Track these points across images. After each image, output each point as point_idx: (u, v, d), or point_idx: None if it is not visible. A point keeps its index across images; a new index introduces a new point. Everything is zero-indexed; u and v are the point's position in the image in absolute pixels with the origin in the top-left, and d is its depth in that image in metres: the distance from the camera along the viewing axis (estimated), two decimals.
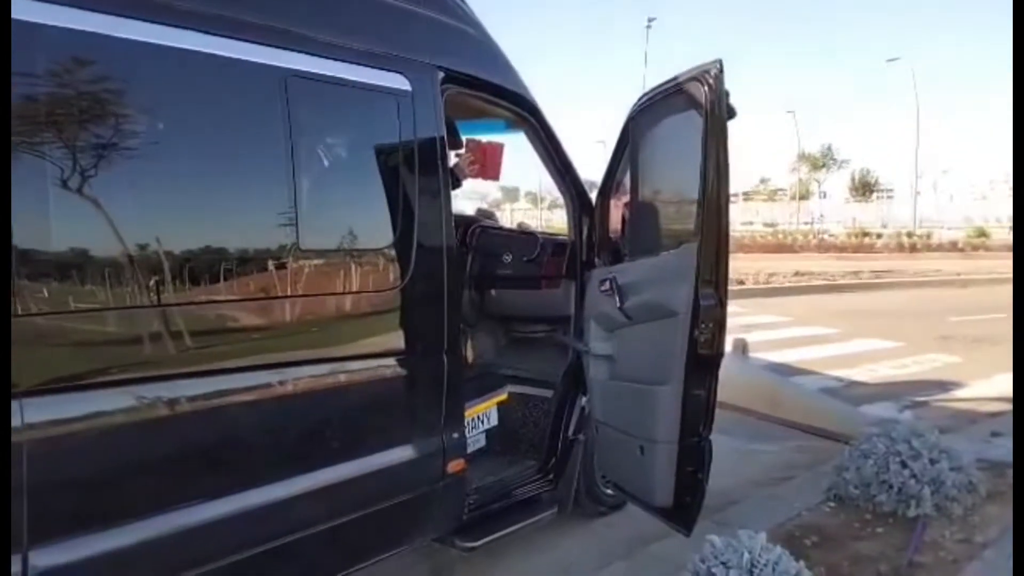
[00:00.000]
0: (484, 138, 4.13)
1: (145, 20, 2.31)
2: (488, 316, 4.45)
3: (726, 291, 3.20)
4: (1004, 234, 40.14)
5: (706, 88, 3.18)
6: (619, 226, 4.01)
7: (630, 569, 3.34)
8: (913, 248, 31.89)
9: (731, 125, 3.20)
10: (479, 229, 4.40)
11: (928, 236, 38.50)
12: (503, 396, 4.25)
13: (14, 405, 2.04)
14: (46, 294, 2.13)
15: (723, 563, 2.86)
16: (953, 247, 32.66)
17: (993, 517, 3.91)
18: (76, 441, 2.20)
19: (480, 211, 5.29)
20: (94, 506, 2.26)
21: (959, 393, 7.65)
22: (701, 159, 3.14)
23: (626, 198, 3.92)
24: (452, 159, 3.81)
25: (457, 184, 3.94)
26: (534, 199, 65.02)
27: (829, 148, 63.60)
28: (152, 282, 2.32)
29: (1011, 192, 4.99)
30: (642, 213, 3.76)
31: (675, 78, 3.43)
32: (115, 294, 2.24)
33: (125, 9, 2.25)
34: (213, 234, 2.52)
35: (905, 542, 3.60)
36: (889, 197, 64.68)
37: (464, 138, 4.19)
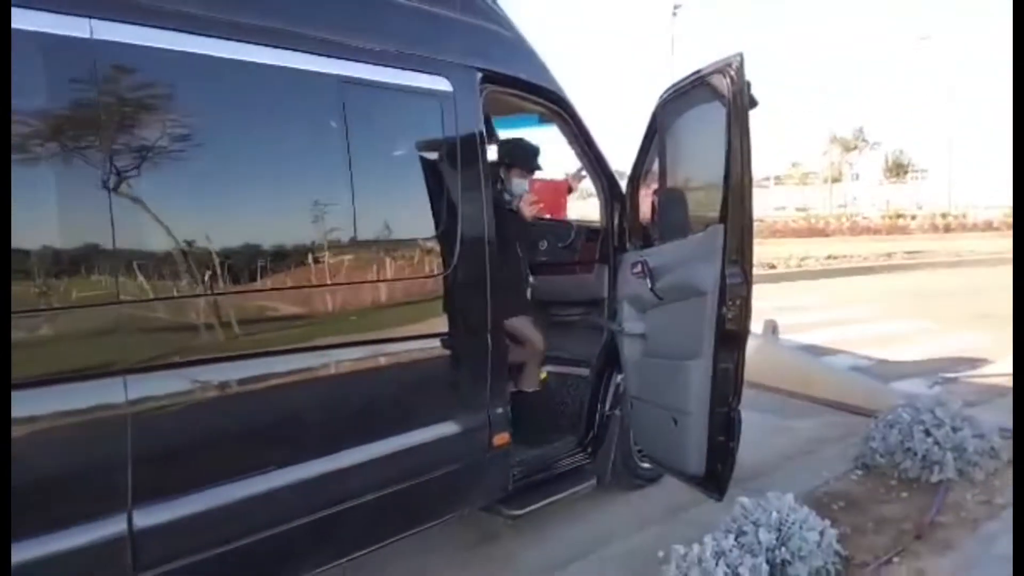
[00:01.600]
0: (547, 178, 4.18)
1: (224, 39, 2.60)
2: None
3: (751, 269, 3.41)
4: None
5: (728, 80, 3.39)
6: (649, 212, 4.22)
7: (664, 532, 3.56)
8: (948, 228, 31.55)
9: (758, 111, 3.42)
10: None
11: (964, 216, 37.99)
12: (543, 375, 4.49)
13: (119, 382, 2.34)
14: (143, 285, 2.41)
15: (753, 522, 3.09)
16: (988, 226, 32.17)
17: (1011, 480, 4.07)
18: (170, 415, 2.48)
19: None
20: (186, 472, 2.54)
21: (988, 369, 7.73)
22: (725, 146, 3.35)
23: (655, 185, 4.13)
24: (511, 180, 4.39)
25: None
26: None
27: (861, 130, 62.79)
28: (238, 272, 2.62)
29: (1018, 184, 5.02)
30: (671, 198, 3.97)
31: (699, 71, 3.64)
32: (204, 284, 2.53)
33: (212, 30, 2.56)
34: (289, 229, 2.80)
35: (928, 505, 3.79)
36: (924, 178, 63.64)
37: (529, 180, 4.52)
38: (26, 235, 2.18)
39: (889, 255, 19.77)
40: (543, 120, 4.39)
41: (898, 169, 64.20)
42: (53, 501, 2.27)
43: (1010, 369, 7.54)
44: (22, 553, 2.15)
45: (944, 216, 36.48)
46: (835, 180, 58.45)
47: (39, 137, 2.22)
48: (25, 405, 2.16)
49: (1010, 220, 35.54)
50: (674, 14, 37.61)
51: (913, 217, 36.87)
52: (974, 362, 7.96)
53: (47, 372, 2.24)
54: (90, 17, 2.31)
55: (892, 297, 12.82)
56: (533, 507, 3.80)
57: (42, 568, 2.21)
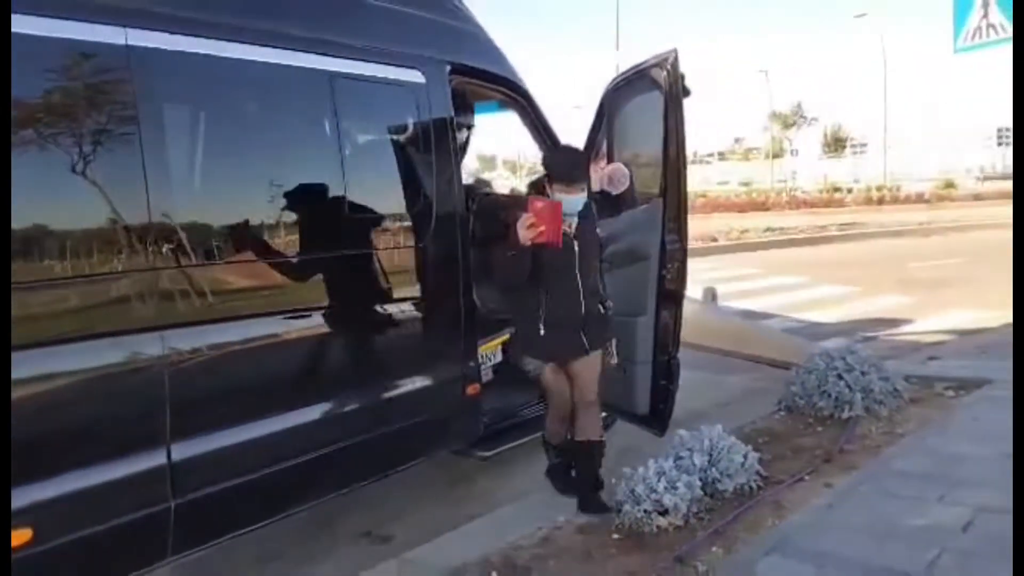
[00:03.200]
0: (540, 201, 3.42)
1: (228, 40, 3.02)
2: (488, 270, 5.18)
3: (687, 237, 3.97)
4: (972, 184, 41.40)
5: (665, 72, 3.92)
6: (597, 187, 4.74)
7: (616, 465, 4.10)
8: (881, 201, 32.91)
9: (699, 91, 3.99)
10: (480, 196, 5.12)
11: (897, 189, 39.58)
12: (506, 337, 4.99)
13: (156, 337, 2.77)
14: (174, 256, 2.84)
15: (689, 449, 3.66)
16: (920, 199, 33.68)
17: (913, 416, 4.76)
18: (199, 366, 2.93)
19: (478, 180, 5.99)
20: (212, 414, 2.99)
21: (908, 328, 8.52)
22: (663, 130, 3.89)
23: (603, 163, 4.64)
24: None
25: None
26: (512, 166, 65.42)
27: (799, 106, 64.43)
28: (249, 245, 3.07)
29: (995, 152, 5.73)
30: (617, 176, 4.49)
31: (641, 64, 4.16)
32: (220, 256, 2.98)
33: (228, 35, 3.00)
34: (291, 206, 3.23)
35: (838, 436, 4.43)
36: (862, 152, 65.50)
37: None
38: (75, 218, 2.61)
39: (824, 227, 20.77)
40: (502, 106, 4.87)
41: (836, 144, 66.11)
42: (107, 437, 2.71)
43: (928, 328, 8.36)
44: (86, 480, 2.60)
45: (879, 189, 37.95)
46: (776, 156, 59.99)
47: (85, 129, 2.63)
48: (81, 358, 2.60)
49: (942, 192, 37.24)
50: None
51: (849, 191, 38.32)
52: (892, 322, 8.75)
53: (99, 329, 2.67)
54: (125, 26, 2.72)
55: (824, 266, 13.65)
56: (501, 448, 4.33)
57: (101, 492, 2.65)
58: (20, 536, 2.46)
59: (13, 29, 2.38)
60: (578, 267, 3.55)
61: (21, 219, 2.42)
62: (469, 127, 4.79)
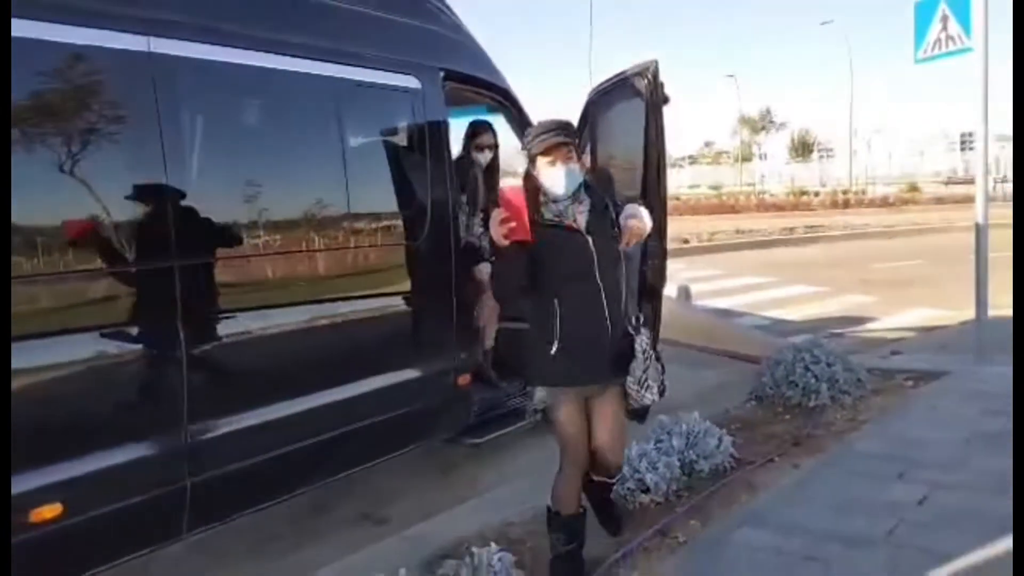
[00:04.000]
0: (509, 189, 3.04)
1: (242, 49, 3.22)
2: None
3: (666, 235, 4.24)
4: (934, 188, 42.38)
5: (646, 81, 4.18)
6: None
7: None
8: (847, 204, 33.57)
9: (672, 98, 4.24)
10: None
11: (863, 192, 40.40)
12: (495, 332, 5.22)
13: (173, 326, 2.96)
14: (191, 253, 3.04)
15: (668, 432, 3.92)
16: (884, 202, 34.44)
17: (875, 405, 5.06)
18: (214, 355, 3.12)
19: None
20: (225, 400, 3.18)
21: (871, 325, 8.89)
22: (643, 135, 4.15)
23: (587, 166, 4.90)
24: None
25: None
26: None
27: (768, 111, 65.47)
28: (262, 241, 3.28)
29: (984, 144, 6.04)
30: (600, 178, 4.74)
31: (623, 72, 4.42)
32: (237, 251, 3.19)
33: (244, 43, 3.21)
34: (297, 203, 3.46)
35: (806, 423, 4.72)
36: (829, 156, 66.54)
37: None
38: (105, 216, 2.79)
39: (791, 229, 21.25)
40: (491, 110, 5.10)
41: (803, 148, 67.14)
42: (130, 421, 2.90)
43: (890, 325, 8.72)
44: (113, 458, 2.80)
45: (845, 193, 38.73)
46: (745, 159, 60.86)
47: (114, 129, 2.82)
48: (108, 346, 2.79)
49: (905, 196, 38.09)
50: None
51: (816, 194, 38.97)
52: (857, 320, 9.11)
53: (123, 319, 2.86)
54: (148, 35, 2.91)
55: (791, 267, 14.05)
56: (490, 437, 4.56)
57: (125, 471, 2.84)
58: (53, 510, 2.65)
59: (50, 37, 2.58)
60: (598, 270, 2.84)
61: (67, 214, 2.67)
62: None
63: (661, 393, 3.00)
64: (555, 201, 2.84)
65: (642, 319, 3.05)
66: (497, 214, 2.74)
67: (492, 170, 5.01)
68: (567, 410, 2.94)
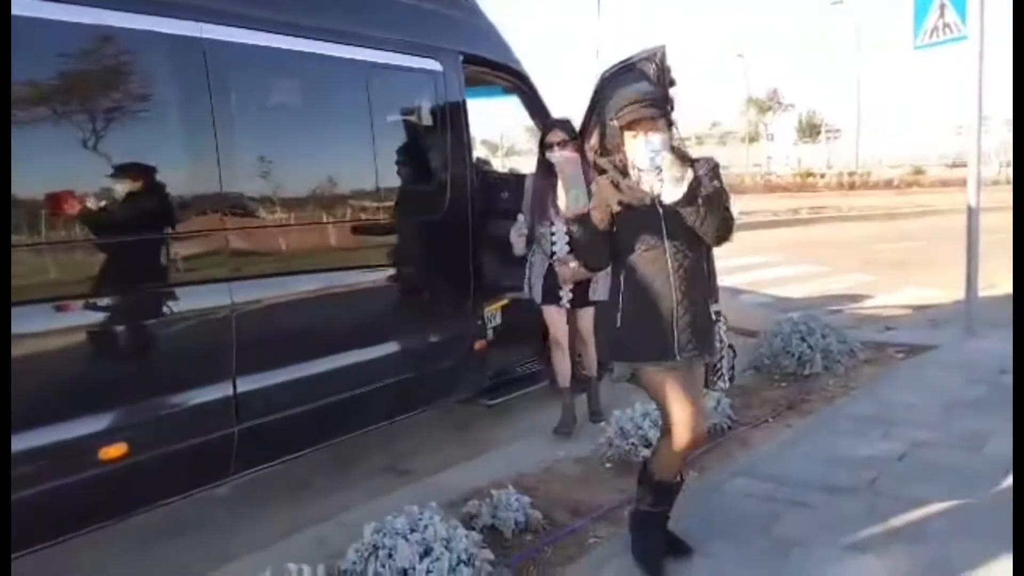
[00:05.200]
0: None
1: (285, 35, 3.51)
2: (491, 241, 5.69)
3: None
4: (940, 171, 42.44)
5: (654, 65, 4.44)
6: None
7: (608, 405, 4.64)
8: (852, 186, 33.72)
9: (679, 78, 4.50)
10: (482, 173, 5.62)
11: (868, 175, 40.48)
12: (505, 302, 5.52)
13: (224, 287, 3.27)
14: (241, 219, 3.34)
15: None
16: (889, 185, 34.56)
17: (867, 374, 5.38)
18: (260, 312, 3.43)
19: (478, 159, 6.49)
20: (270, 353, 3.50)
21: (869, 303, 9.16)
22: None
23: (596, 147, 5.17)
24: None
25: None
26: (491, 147, 65.55)
27: (775, 92, 65.16)
28: (303, 210, 3.58)
29: (977, 132, 6.32)
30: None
31: (631, 56, 4.67)
32: (279, 218, 3.49)
33: (287, 29, 3.49)
34: (333, 176, 3.76)
35: (799, 390, 5.03)
36: (836, 138, 66.31)
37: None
38: (165, 187, 3.09)
39: (796, 210, 21.48)
40: (506, 91, 5.37)
41: (811, 129, 66.95)
42: (185, 370, 3.21)
43: (887, 303, 9.00)
44: (172, 405, 3.12)
45: (851, 175, 38.84)
46: (751, 140, 60.79)
47: (170, 110, 3.12)
48: (166, 303, 3.11)
49: (910, 178, 38.23)
50: None
51: (822, 175, 39.13)
52: (855, 297, 9.39)
53: (183, 279, 3.17)
54: (199, 21, 3.20)
55: (795, 247, 14.30)
56: (503, 398, 4.88)
57: (181, 416, 3.16)
58: (118, 449, 2.97)
59: (120, 24, 2.88)
60: (667, 244, 2.74)
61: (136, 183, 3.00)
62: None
63: (731, 380, 3.02)
64: (639, 171, 2.77)
65: (721, 310, 2.90)
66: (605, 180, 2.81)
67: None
68: (656, 377, 2.81)
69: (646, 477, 3.01)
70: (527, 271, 4.67)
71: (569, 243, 4.34)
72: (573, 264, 4.21)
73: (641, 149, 2.71)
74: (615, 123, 2.83)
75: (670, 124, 2.83)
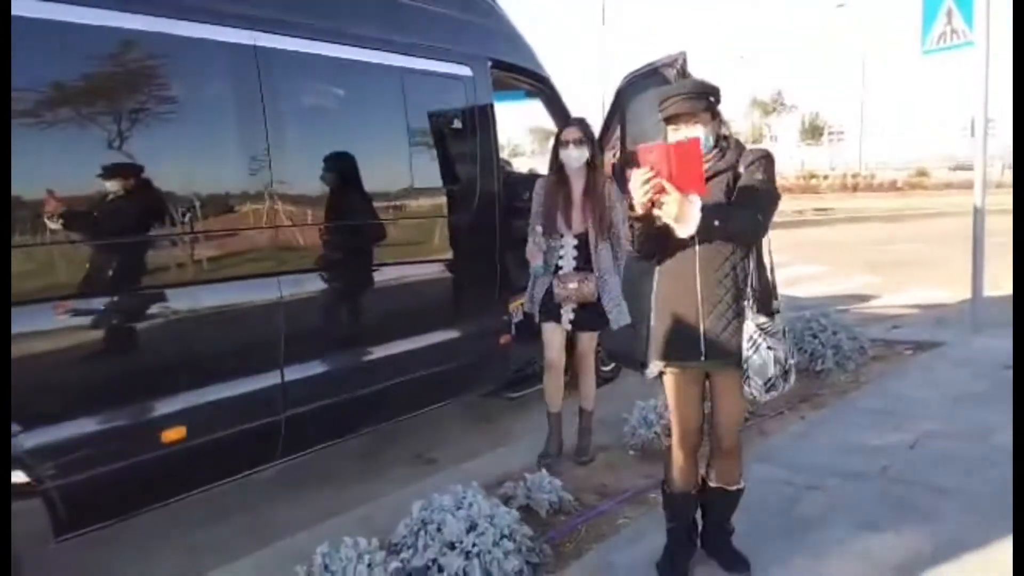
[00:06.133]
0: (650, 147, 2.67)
1: (333, 43, 3.71)
2: (515, 238, 5.88)
3: None
4: (944, 173, 42.56)
5: (675, 71, 4.64)
6: (610, 169, 5.46)
7: (622, 407, 4.82)
8: (856, 188, 33.89)
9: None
10: (505, 173, 5.80)
11: (872, 177, 40.61)
12: (521, 302, 5.70)
13: (274, 281, 3.46)
14: (289, 218, 3.53)
15: None
16: (892, 187, 34.71)
17: (876, 369, 5.58)
18: (307, 305, 3.62)
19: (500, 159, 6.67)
20: (315, 344, 3.69)
21: (875, 303, 9.36)
22: None
23: (615, 148, 5.36)
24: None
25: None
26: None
27: (779, 94, 65.33)
28: (345, 209, 3.79)
29: (983, 135, 6.54)
30: (628, 160, 5.22)
31: (654, 62, 4.87)
32: (323, 217, 3.69)
33: (331, 37, 3.68)
34: (374, 175, 3.95)
35: (812, 384, 5.22)
36: (840, 139, 66.34)
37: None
38: (217, 189, 3.29)
39: (801, 212, 21.66)
40: (529, 95, 5.57)
41: (814, 131, 67.08)
42: (238, 360, 3.40)
43: (892, 302, 9.19)
44: (226, 392, 3.31)
45: (854, 177, 38.98)
46: (756, 141, 60.91)
47: (226, 112, 3.32)
48: (223, 296, 3.30)
49: (914, 180, 38.36)
50: None
51: (825, 177, 39.24)
52: (862, 297, 9.59)
53: (235, 275, 3.36)
54: (252, 29, 3.39)
55: (801, 247, 14.45)
56: (526, 391, 5.07)
57: (235, 402, 3.35)
58: (177, 432, 3.16)
59: (181, 32, 3.08)
60: (697, 244, 2.67)
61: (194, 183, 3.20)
62: None
63: (769, 389, 2.70)
64: None
65: (753, 307, 2.70)
66: (637, 176, 2.58)
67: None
68: (676, 384, 2.82)
69: (663, 492, 3.00)
70: (530, 282, 4.28)
71: (576, 259, 4.09)
72: (572, 285, 4.03)
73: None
74: (659, 117, 2.80)
75: (714, 116, 2.77)
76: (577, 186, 4.16)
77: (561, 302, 4.12)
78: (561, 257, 4.14)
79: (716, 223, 2.57)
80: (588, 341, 4.27)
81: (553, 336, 4.24)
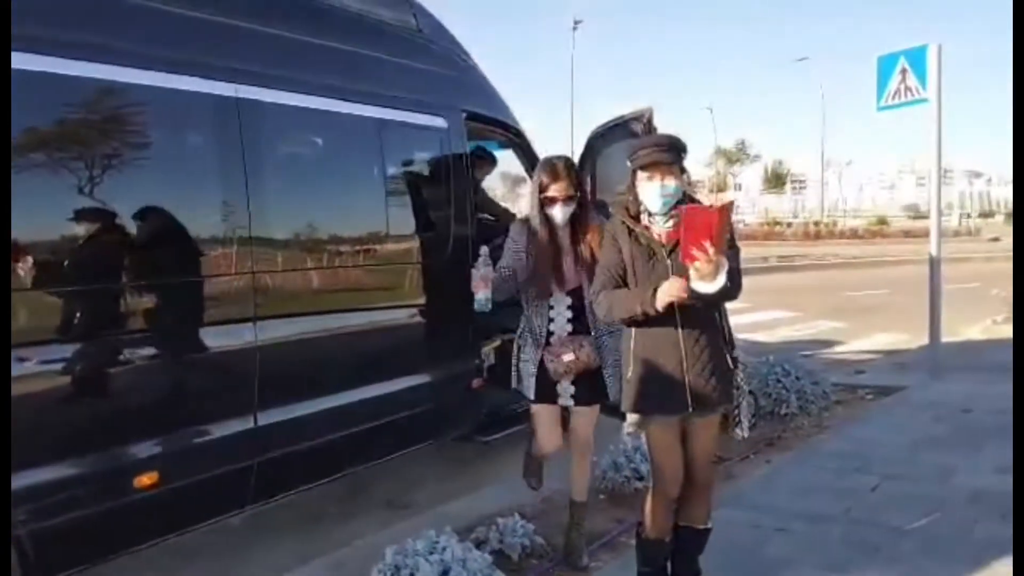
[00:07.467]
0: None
1: (312, 95, 3.81)
2: None
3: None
4: (903, 222, 43.77)
5: (642, 124, 4.81)
6: None
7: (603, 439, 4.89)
8: (818, 235, 34.66)
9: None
10: (478, 219, 5.92)
11: (834, 224, 41.64)
12: (498, 343, 5.77)
13: (249, 327, 3.51)
14: (265, 263, 3.59)
15: None
16: (853, 234, 35.58)
17: (839, 414, 5.72)
18: (280, 350, 3.66)
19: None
20: (287, 390, 3.72)
21: (839, 348, 9.57)
22: None
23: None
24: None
25: None
26: None
27: (743, 143, 66.97)
28: (321, 258, 3.86)
29: (937, 186, 6.81)
30: (599, 208, 5.36)
31: (622, 116, 5.05)
32: (299, 264, 3.75)
33: (311, 90, 3.78)
34: (343, 225, 4.05)
35: (776, 428, 5.33)
36: (802, 188, 67.93)
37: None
38: (192, 234, 3.34)
39: (765, 258, 22.08)
40: (502, 145, 5.72)
41: (777, 179, 68.73)
42: (211, 405, 3.42)
43: (858, 348, 9.40)
44: (199, 437, 3.33)
45: (816, 224, 39.92)
46: (720, 190, 62.11)
47: (207, 160, 3.40)
48: (196, 341, 3.33)
49: (874, 228, 39.40)
50: (574, 29, 39.81)
51: (789, 224, 40.15)
52: (826, 343, 9.80)
53: (211, 320, 3.40)
54: (235, 82, 3.49)
55: (765, 293, 14.70)
56: (498, 435, 5.11)
57: (207, 448, 3.37)
58: (151, 477, 3.16)
59: (169, 85, 3.16)
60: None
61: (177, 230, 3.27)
62: None
63: (751, 427, 3.00)
64: (649, 215, 2.81)
65: (739, 356, 2.88)
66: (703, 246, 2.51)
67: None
68: (657, 434, 2.86)
69: (637, 537, 3.04)
70: (515, 355, 3.68)
71: (571, 320, 3.48)
72: (568, 357, 3.39)
73: (655, 193, 2.74)
74: (630, 164, 2.83)
75: (682, 171, 2.84)
76: (564, 237, 3.55)
77: (559, 379, 3.47)
78: (552, 321, 3.52)
79: (728, 284, 2.60)
80: (588, 417, 3.58)
81: (547, 420, 3.62)
